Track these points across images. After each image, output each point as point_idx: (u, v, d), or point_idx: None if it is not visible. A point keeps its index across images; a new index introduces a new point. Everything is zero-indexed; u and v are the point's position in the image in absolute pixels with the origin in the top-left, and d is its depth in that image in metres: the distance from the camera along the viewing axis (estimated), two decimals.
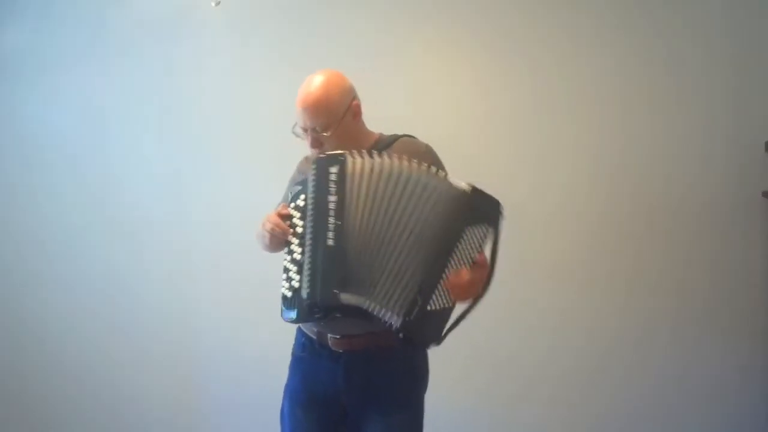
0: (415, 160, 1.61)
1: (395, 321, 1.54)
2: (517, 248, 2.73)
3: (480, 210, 1.58)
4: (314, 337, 1.75)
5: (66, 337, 3.02)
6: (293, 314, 1.63)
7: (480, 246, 1.56)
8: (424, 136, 2.81)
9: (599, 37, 2.69)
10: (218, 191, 2.94)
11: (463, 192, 1.58)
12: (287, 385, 1.84)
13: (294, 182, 1.83)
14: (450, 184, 1.59)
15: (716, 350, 2.63)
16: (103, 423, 3.00)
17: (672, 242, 2.65)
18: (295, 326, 1.86)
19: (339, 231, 1.55)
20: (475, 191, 1.60)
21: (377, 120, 2.75)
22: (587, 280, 2.70)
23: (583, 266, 2.71)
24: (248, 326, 2.88)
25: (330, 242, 1.55)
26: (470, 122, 2.77)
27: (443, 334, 1.60)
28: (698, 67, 2.63)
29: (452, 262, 1.54)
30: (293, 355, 1.85)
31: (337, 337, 1.69)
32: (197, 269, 2.94)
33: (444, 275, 1.53)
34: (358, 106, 1.76)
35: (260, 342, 2.86)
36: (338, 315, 1.58)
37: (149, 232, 2.96)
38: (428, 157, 1.74)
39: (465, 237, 1.55)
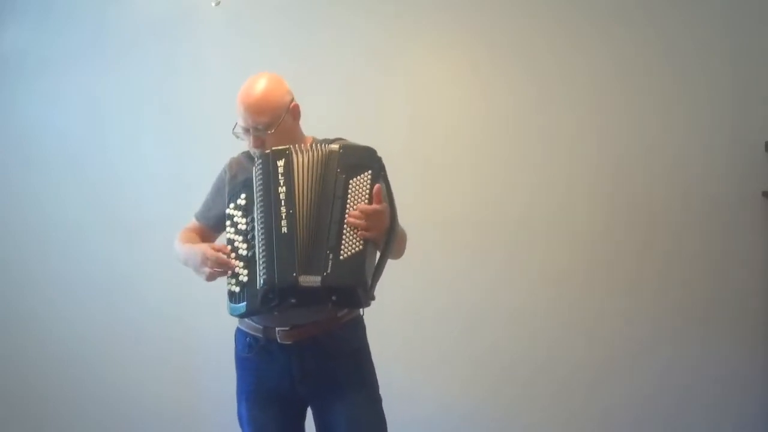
0: (319, 146, 1.74)
1: (316, 282, 1.61)
2: (518, 250, 2.74)
3: (356, 161, 1.70)
4: (260, 335, 1.79)
5: (66, 336, 3.01)
6: (242, 307, 1.69)
7: (367, 190, 1.66)
8: (424, 137, 2.83)
9: (600, 38, 2.69)
10: None
11: (335, 151, 1.71)
12: (240, 389, 1.86)
13: (223, 183, 1.91)
14: (327, 150, 1.71)
15: (717, 350, 2.63)
16: (102, 422, 3.00)
17: (673, 242, 2.65)
18: None
19: (290, 218, 1.65)
20: (345, 147, 1.73)
21: (376, 120, 2.77)
22: (588, 282, 2.70)
23: (584, 268, 2.71)
24: None
25: (284, 230, 1.64)
26: (471, 123, 2.77)
27: (366, 279, 1.65)
28: (698, 68, 2.63)
29: (347, 212, 1.64)
30: (238, 357, 1.88)
31: (286, 329, 1.74)
32: None
33: (344, 225, 1.63)
34: (297, 108, 1.84)
35: None
36: (293, 300, 1.64)
37: (149, 231, 2.95)
38: None
39: (352, 187, 1.66)
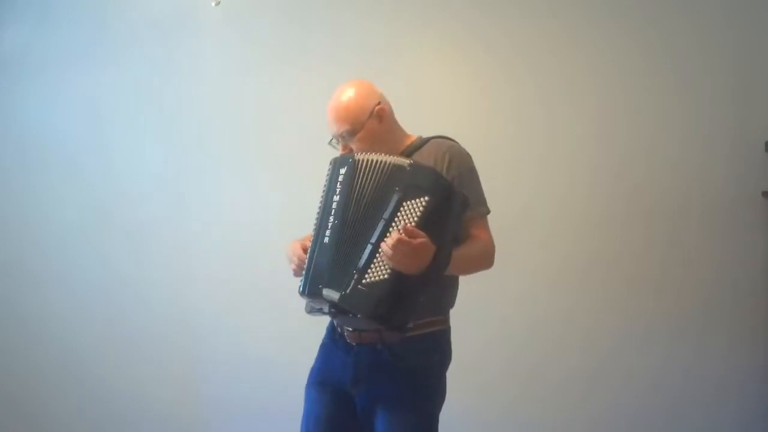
0: (389, 155, 1.66)
1: (335, 298, 1.57)
2: (519, 249, 2.74)
3: (418, 182, 1.58)
4: (337, 328, 1.82)
5: (65, 336, 3.02)
6: (306, 305, 1.74)
7: (417, 216, 1.54)
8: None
9: (601, 37, 2.69)
10: (218, 191, 2.94)
11: (401, 167, 1.61)
12: (312, 367, 1.89)
13: None
14: (393, 162, 1.63)
15: (716, 350, 2.63)
16: (100, 422, 3.00)
17: (672, 242, 2.65)
18: (310, 325, 1.89)
19: (334, 229, 1.63)
20: (414, 165, 1.62)
21: None
22: (588, 281, 2.70)
23: (584, 266, 2.71)
24: (247, 327, 2.89)
25: (326, 240, 1.63)
26: (472, 123, 2.76)
27: (384, 310, 1.55)
28: (699, 68, 2.63)
29: (389, 235, 1.53)
30: (322, 340, 1.90)
31: (350, 329, 1.75)
32: (197, 269, 2.94)
33: (379, 248, 1.54)
34: (383, 110, 1.79)
35: (259, 342, 2.87)
36: (333, 309, 1.64)
37: (149, 232, 2.96)
38: (445, 156, 1.75)
39: (403, 209, 1.56)
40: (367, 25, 2.81)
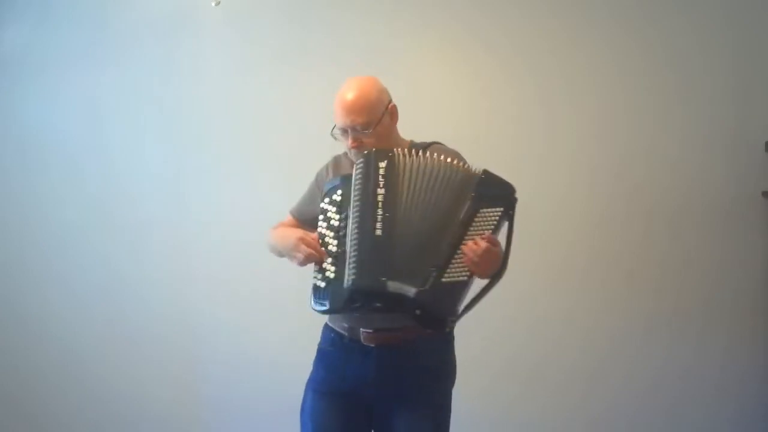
0: (443, 157, 1.73)
1: (409, 291, 1.58)
2: (518, 249, 2.74)
3: (493, 192, 1.67)
4: (344, 333, 1.79)
5: (66, 337, 3.01)
6: (325, 304, 1.67)
7: (493, 225, 1.64)
8: (426, 138, 2.82)
9: (601, 37, 2.69)
10: (218, 191, 2.94)
11: (475, 174, 1.69)
12: (311, 379, 1.86)
13: (323, 180, 1.88)
14: (467, 169, 1.70)
15: (716, 350, 2.63)
16: (100, 423, 3.00)
17: (672, 242, 2.66)
18: (311, 325, 1.88)
19: (386, 222, 1.63)
20: (488, 174, 1.69)
21: None
22: (588, 281, 2.70)
23: (584, 266, 2.71)
24: (247, 327, 2.89)
25: (378, 232, 1.62)
26: (472, 123, 2.76)
27: (458, 310, 1.64)
28: (699, 68, 2.63)
29: (467, 238, 1.61)
30: (319, 349, 1.87)
31: (369, 331, 1.73)
32: (197, 269, 2.94)
33: (459, 250, 1.60)
34: (395, 108, 1.83)
35: (259, 342, 2.87)
36: (378, 304, 1.62)
37: (149, 232, 2.96)
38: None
39: (479, 216, 1.63)
40: (367, 25, 2.81)
